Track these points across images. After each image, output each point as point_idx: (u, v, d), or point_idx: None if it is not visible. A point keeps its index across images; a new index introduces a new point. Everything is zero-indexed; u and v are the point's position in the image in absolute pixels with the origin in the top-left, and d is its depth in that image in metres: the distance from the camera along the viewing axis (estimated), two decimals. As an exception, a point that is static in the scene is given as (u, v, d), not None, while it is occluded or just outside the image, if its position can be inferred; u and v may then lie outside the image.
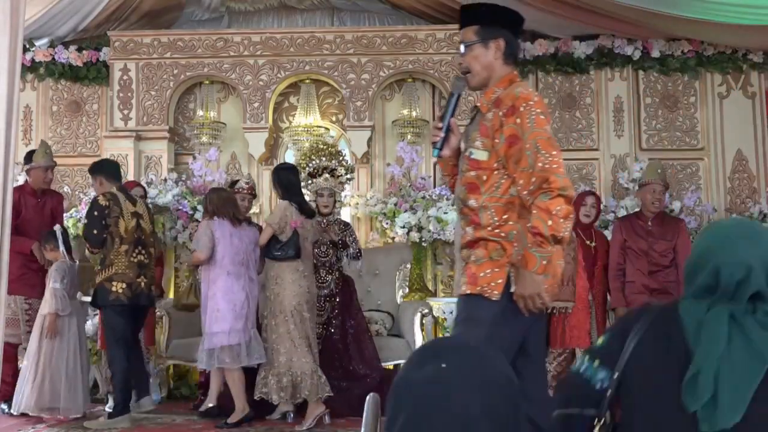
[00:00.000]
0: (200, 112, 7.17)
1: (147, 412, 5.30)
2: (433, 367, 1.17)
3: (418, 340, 5.86)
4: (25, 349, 5.41)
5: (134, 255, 4.96)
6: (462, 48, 2.76)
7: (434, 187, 6.99)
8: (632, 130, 7.14)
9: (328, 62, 7.02)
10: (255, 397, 4.95)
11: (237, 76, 7.01)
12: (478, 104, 2.77)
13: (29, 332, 5.32)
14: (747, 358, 1.56)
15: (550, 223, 2.47)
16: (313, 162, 5.62)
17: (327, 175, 5.61)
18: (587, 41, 7.15)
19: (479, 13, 2.79)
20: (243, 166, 7.24)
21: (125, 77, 7.02)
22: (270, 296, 5.00)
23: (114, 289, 4.87)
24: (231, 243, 5.02)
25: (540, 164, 2.52)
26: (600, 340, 1.80)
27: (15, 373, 5.32)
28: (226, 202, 5.15)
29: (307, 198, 5.60)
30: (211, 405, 5.16)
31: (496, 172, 2.62)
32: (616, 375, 1.67)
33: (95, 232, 4.90)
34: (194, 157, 6.94)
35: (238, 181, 5.71)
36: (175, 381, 6.22)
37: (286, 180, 5.15)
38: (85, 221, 5.05)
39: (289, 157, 7.30)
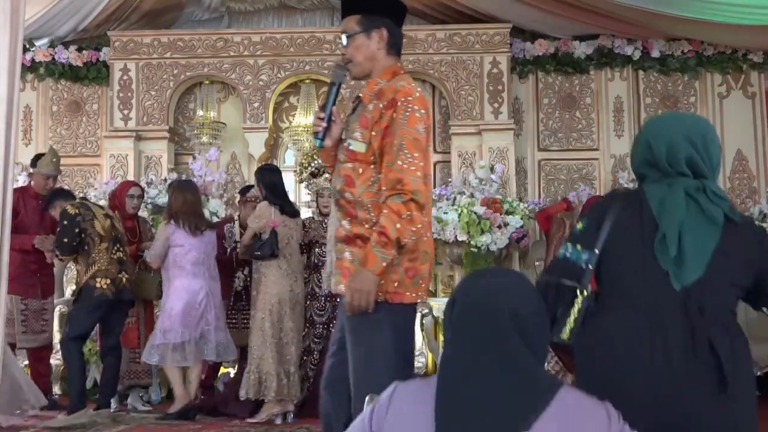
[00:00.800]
0: (200, 112, 7.17)
1: (147, 412, 5.30)
2: (485, 280, 1.46)
3: (418, 340, 5.86)
4: (22, 349, 5.40)
5: (114, 252, 5.08)
6: (344, 38, 2.66)
7: (434, 187, 6.99)
8: (632, 130, 7.14)
9: (328, 62, 7.01)
10: (240, 397, 4.97)
11: (237, 76, 7.01)
12: (361, 95, 2.68)
13: (24, 332, 5.32)
14: (703, 223, 1.88)
15: (398, 226, 2.39)
16: (315, 161, 5.62)
17: (327, 175, 5.61)
18: (587, 41, 7.15)
19: (360, 2, 2.69)
20: (243, 166, 7.24)
21: (125, 77, 7.02)
22: (254, 294, 5.09)
23: (98, 285, 4.96)
24: (190, 243, 5.07)
25: (399, 162, 2.43)
26: (578, 226, 2.07)
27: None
28: (190, 209, 5.13)
29: (308, 197, 5.61)
30: (181, 406, 5.05)
31: (372, 166, 2.53)
32: (596, 252, 1.95)
33: (65, 240, 5.01)
34: (194, 157, 6.94)
35: (250, 187, 5.69)
36: (175, 381, 6.21)
37: (269, 181, 5.19)
38: (58, 230, 5.09)
39: (289, 157, 7.31)
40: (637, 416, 1.61)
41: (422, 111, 2.52)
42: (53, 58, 7.26)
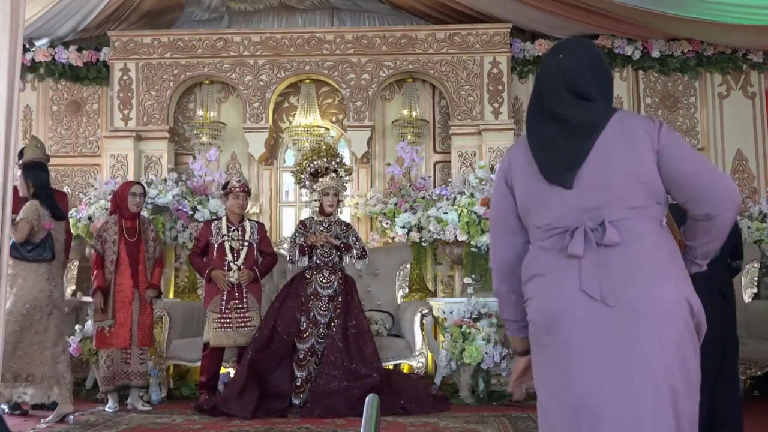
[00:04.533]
0: (200, 112, 7.17)
1: (147, 412, 5.30)
2: (556, 48, 2.06)
3: (418, 340, 5.86)
4: None
5: None
6: None
7: (434, 187, 6.99)
8: (632, 130, 7.13)
9: (328, 62, 7.02)
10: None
11: (237, 76, 7.01)
12: None
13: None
14: None
15: None
16: (316, 162, 5.63)
17: (333, 174, 5.63)
18: (587, 41, 7.15)
19: None
20: (243, 166, 7.24)
21: (125, 77, 7.02)
22: (8, 296, 4.78)
23: None
24: None
25: None
26: None
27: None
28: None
29: (308, 198, 5.60)
30: None
31: None
32: None
33: None
34: (194, 157, 6.95)
35: (230, 181, 5.71)
36: (175, 381, 6.21)
37: (41, 180, 5.03)
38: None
39: (289, 157, 7.31)
40: None
41: None
42: (53, 58, 7.26)
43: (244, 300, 5.48)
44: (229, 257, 5.51)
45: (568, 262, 1.83)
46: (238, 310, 5.45)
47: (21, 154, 5.57)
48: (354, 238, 5.65)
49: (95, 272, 5.43)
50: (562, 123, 1.92)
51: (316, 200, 5.67)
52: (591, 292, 1.79)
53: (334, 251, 5.54)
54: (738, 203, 1.89)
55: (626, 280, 1.79)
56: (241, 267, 5.49)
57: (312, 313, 5.41)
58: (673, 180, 1.87)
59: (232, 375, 5.70)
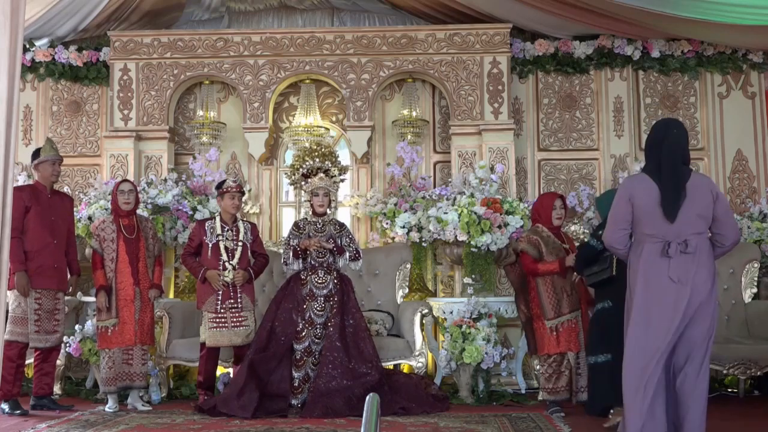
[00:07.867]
0: (200, 112, 7.17)
1: (147, 413, 5.30)
2: (669, 124, 3.76)
3: (418, 340, 5.86)
4: (34, 349, 5.38)
5: None
6: None
7: (434, 187, 6.99)
8: (632, 130, 7.14)
9: (328, 62, 7.02)
10: None
11: (237, 76, 7.02)
12: None
13: (37, 332, 5.29)
14: None
15: None
16: (307, 163, 5.64)
17: (322, 174, 5.63)
18: (587, 41, 7.15)
19: None
20: (243, 166, 7.24)
21: (125, 77, 7.02)
22: None
23: None
24: None
25: None
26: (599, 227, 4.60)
27: (18, 372, 5.31)
28: None
29: (304, 198, 5.59)
30: None
31: None
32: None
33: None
34: (194, 157, 6.95)
35: (225, 181, 5.72)
36: (176, 381, 6.22)
37: None
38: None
39: (289, 157, 7.31)
40: None
41: None
42: (53, 58, 7.26)
43: (239, 300, 5.48)
44: (224, 257, 5.51)
45: (663, 259, 3.54)
46: (233, 310, 5.45)
47: (37, 154, 5.59)
48: (348, 239, 5.64)
49: (96, 272, 5.44)
50: (676, 179, 3.54)
51: (308, 201, 5.68)
52: (673, 278, 3.51)
53: (328, 252, 5.55)
54: (738, 242, 3.69)
55: (691, 271, 3.52)
56: (236, 267, 5.49)
57: (308, 314, 5.41)
58: (714, 221, 3.59)
59: (231, 375, 5.70)
